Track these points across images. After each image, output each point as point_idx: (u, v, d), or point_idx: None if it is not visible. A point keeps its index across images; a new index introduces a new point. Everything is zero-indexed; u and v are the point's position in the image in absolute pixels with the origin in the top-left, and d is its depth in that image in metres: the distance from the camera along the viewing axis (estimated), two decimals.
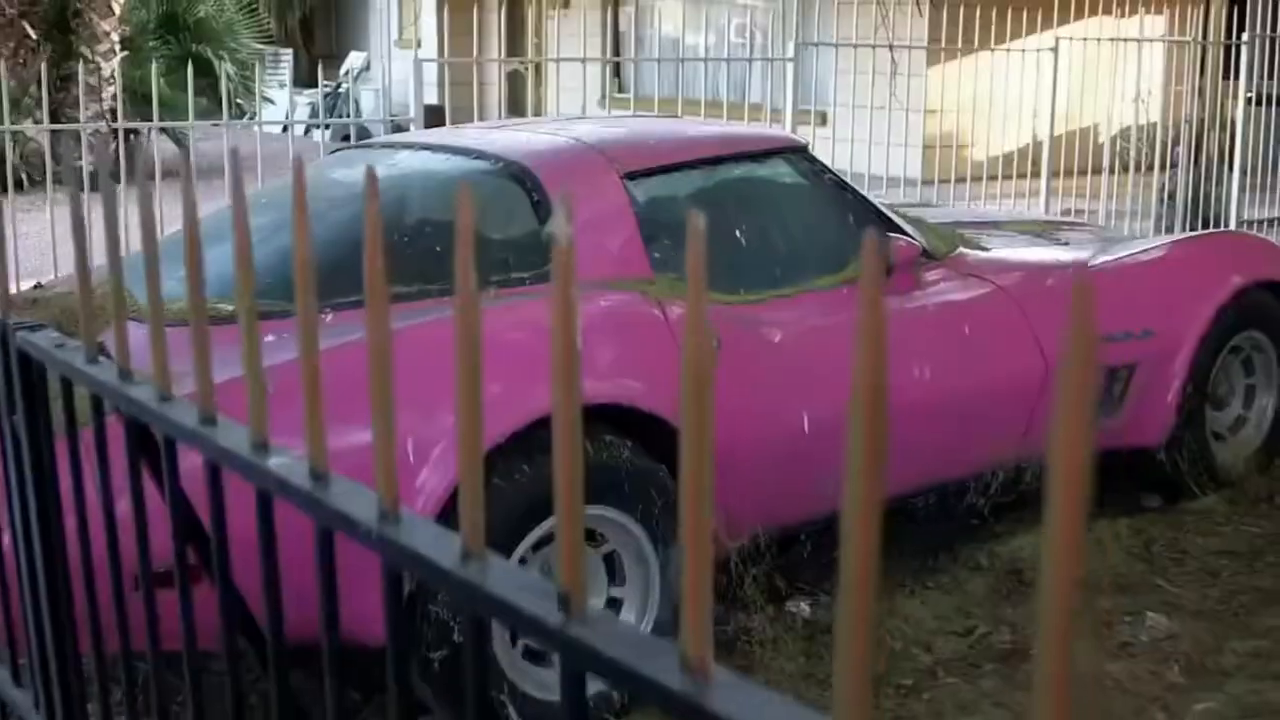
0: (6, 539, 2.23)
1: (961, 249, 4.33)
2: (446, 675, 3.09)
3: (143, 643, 1.74)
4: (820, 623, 3.73)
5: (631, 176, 3.67)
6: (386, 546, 1.11)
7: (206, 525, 1.53)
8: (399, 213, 3.61)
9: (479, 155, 3.79)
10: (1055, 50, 8.64)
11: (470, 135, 4.37)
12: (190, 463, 1.53)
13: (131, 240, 3.52)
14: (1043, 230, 5.23)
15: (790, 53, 7.80)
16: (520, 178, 3.59)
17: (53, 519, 2.05)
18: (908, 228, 4.13)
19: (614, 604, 3.40)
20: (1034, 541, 4.30)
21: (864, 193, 4.26)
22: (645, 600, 3.41)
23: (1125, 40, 9.13)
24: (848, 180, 4.38)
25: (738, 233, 3.82)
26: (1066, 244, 4.95)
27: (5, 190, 5.87)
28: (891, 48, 6.89)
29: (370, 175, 1.10)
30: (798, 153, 4.12)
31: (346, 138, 8.30)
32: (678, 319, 3.45)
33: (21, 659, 2.31)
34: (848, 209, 4.06)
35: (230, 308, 2.81)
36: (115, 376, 1.64)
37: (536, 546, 3.19)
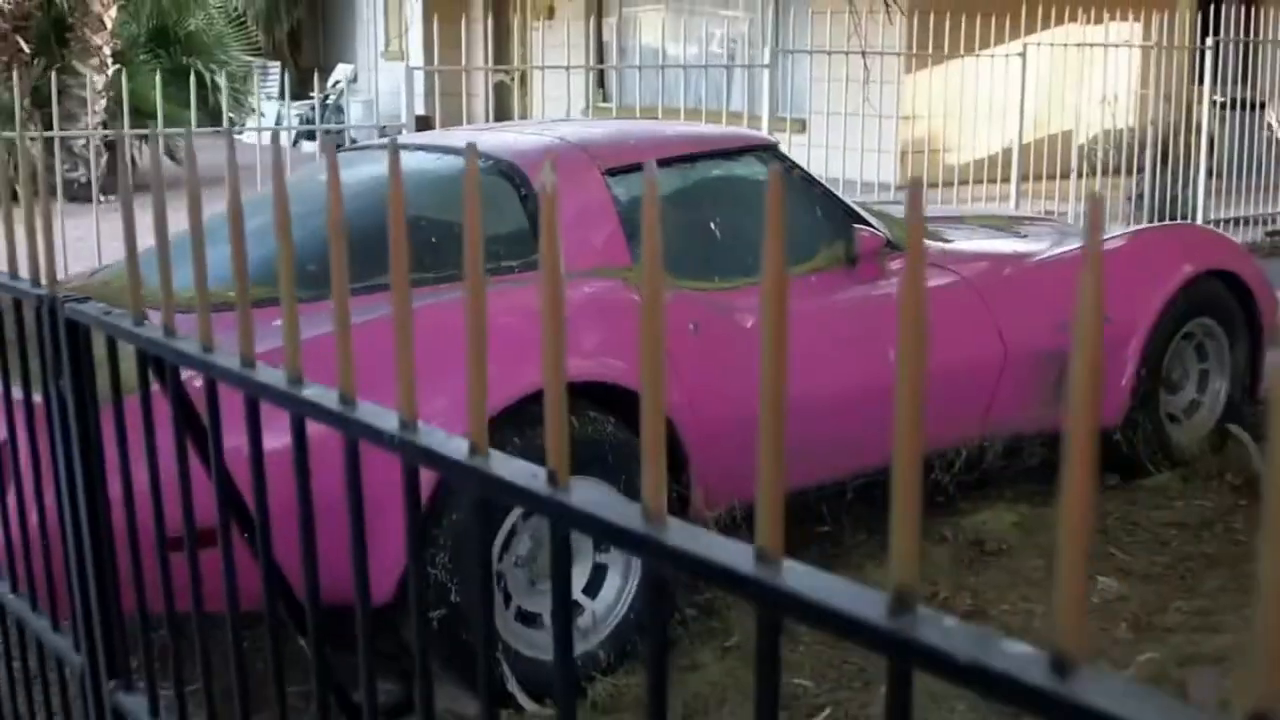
0: (50, 498, 2.45)
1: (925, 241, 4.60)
2: (445, 635, 3.34)
3: (185, 602, 1.96)
4: None
5: (612, 173, 3.93)
6: (406, 447, 1.36)
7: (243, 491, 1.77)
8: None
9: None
10: (1023, 56, 8.93)
11: (461, 136, 4.63)
12: (231, 443, 1.77)
13: (128, 243, 3.77)
14: (1004, 225, 5.51)
15: (766, 59, 8.08)
16: (509, 174, 3.85)
17: (97, 478, 2.29)
18: (873, 220, 4.40)
19: (600, 569, 3.65)
20: (995, 516, 4.57)
21: (831, 188, 4.53)
22: (629, 565, 3.66)
23: (1091, 45, 9.42)
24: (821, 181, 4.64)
25: (712, 225, 4.09)
26: (1026, 237, 5.22)
27: (26, 196, 6.10)
28: (864, 54, 7.16)
29: (394, 152, 1.35)
30: (768, 150, 4.39)
31: (338, 147, 8.55)
32: None
33: (65, 619, 2.52)
34: (816, 203, 4.33)
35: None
36: (162, 334, 1.89)
37: (527, 515, 3.44)
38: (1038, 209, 9.79)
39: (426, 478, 3.20)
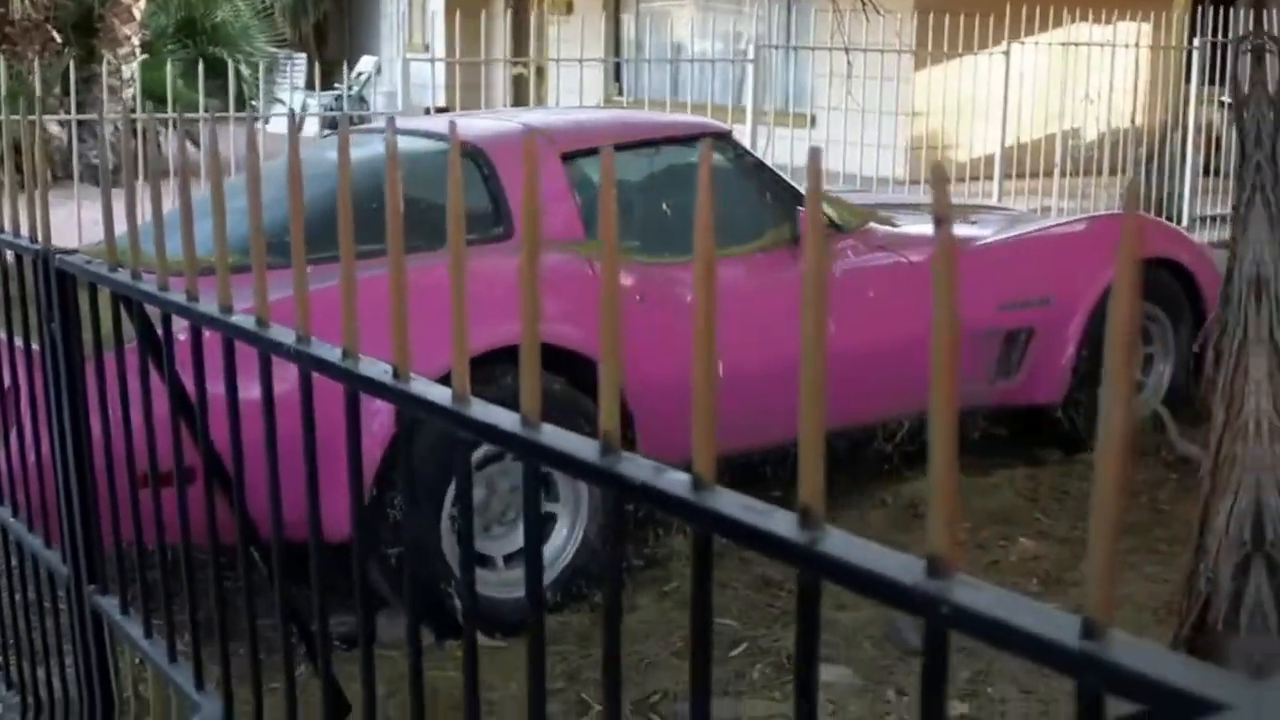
0: (46, 447, 2.81)
1: (872, 224, 4.93)
2: (400, 572, 3.69)
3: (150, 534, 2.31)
4: None
5: (568, 156, 4.29)
6: (399, 397, 1.65)
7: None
8: (373, 183, 4.20)
9: (442, 138, 4.41)
10: (1007, 55, 9.21)
11: (439, 122, 5.00)
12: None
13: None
14: (956, 212, 5.83)
15: (750, 54, 8.40)
16: (474, 155, 4.21)
17: (81, 408, 2.65)
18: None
19: (549, 517, 4.00)
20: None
21: (780, 173, 4.87)
22: (575, 514, 4.01)
23: (1076, 45, 9.70)
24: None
25: (663, 204, 4.43)
26: (974, 223, 5.54)
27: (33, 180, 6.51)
28: (847, 50, 7.49)
29: (392, 144, 1.70)
30: (722, 138, 4.73)
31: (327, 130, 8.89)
32: None
33: (55, 541, 2.88)
34: (765, 187, 4.67)
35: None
36: (129, 278, 2.25)
37: (480, 465, 3.78)
38: (1026, 206, 10.08)
39: (383, 427, 3.54)
